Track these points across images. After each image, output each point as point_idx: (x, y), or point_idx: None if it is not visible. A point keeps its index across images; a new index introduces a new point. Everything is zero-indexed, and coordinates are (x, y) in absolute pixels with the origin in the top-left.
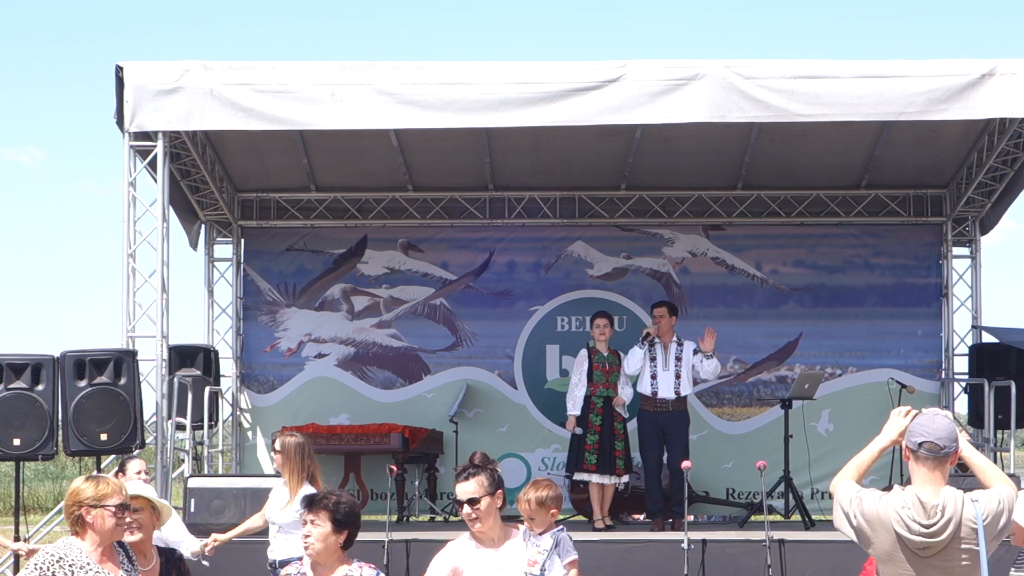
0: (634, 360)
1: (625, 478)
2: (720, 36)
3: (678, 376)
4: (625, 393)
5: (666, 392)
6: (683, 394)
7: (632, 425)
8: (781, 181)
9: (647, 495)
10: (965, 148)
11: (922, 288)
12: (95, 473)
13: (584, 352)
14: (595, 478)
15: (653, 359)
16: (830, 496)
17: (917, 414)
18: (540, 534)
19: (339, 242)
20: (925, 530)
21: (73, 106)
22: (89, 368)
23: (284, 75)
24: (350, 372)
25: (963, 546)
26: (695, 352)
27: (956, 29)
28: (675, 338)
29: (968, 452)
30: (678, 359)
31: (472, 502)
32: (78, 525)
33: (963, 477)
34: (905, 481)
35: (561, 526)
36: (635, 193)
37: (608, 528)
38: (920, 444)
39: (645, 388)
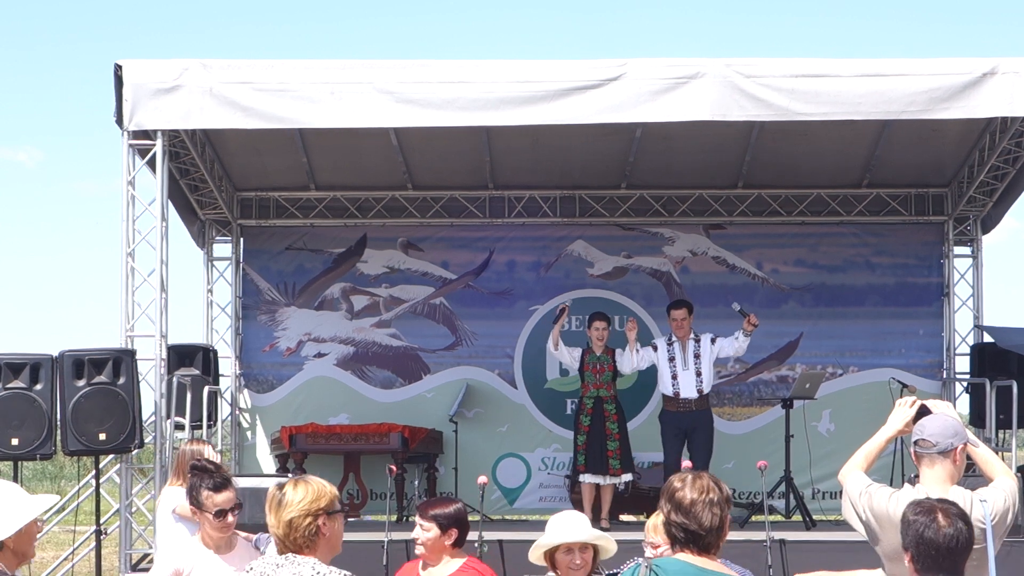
0: (644, 360)
1: (624, 477)
2: (720, 36)
3: (699, 374)
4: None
5: (688, 392)
6: (705, 392)
7: (634, 424)
8: (782, 180)
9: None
10: (966, 147)
11: (923, 287)
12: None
13: (578, 352)
14: (587, 478)
15: (672, 359)
16: (831, 496)
17: (921, 404)
18: None
19: (338, 241)
20: None
21: (72, 106)
22: (88, 367)
23: (283, 74)
24: (350, 372)
25: (972, 546)
26: (737, 335)
27: (956, 29)
28: (692, 335)
29: (972, 441)
30: (697, 356)
31: (234, 509)
32: (313, 538)
33: (965, 477)
34: (907, 483)
35: None
36: (635, 192)
37: (602, 530)
38: (915, 442)
39: (667, 389)
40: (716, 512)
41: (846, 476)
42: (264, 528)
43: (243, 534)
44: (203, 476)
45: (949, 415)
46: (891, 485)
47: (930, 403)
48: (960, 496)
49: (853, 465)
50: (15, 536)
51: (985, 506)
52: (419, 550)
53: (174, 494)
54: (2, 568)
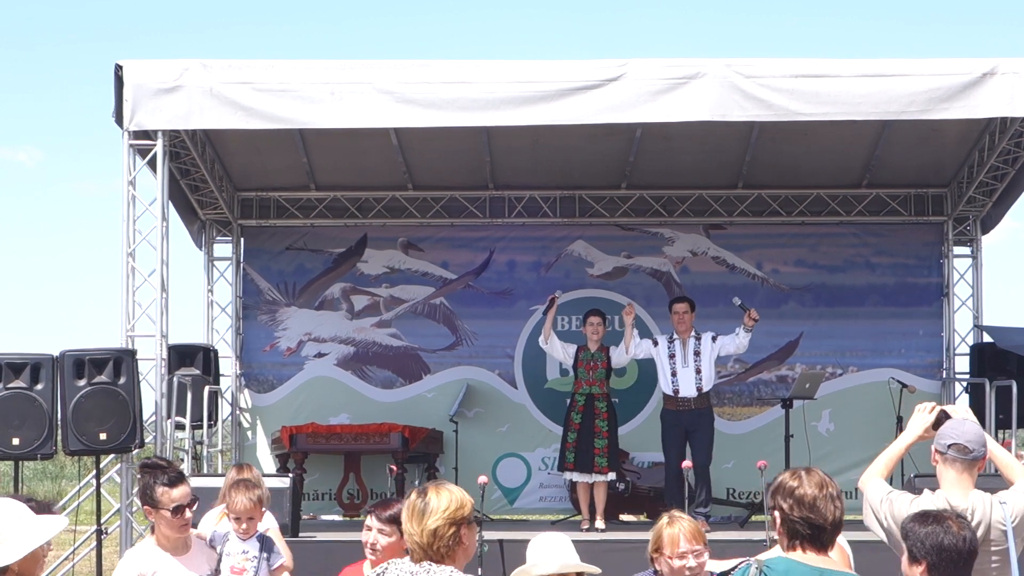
0: (640, 349)
1: (610, 476)
2: (720, 36)
3: (698, 371)
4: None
5: (688, 390)
6: (705, 390)
7: (634, 424)
8: (782, 180)
9: (666, 494)
10: (966, 147)
11: (923, 287)
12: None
13: (573, 348)
14: (575, 476)
15: (672, 356)
16: (847, 494)
17: (941, 410)
18: (246, 539)
19: (339, 241)
20: None
21: (72, 106)
22: (88, 367)
23: (284, 74)
24: (350, 371)
25: (993, 548)
26: (740, 329)
27: (956, 29)
28: (693, 333)
29: (991, 446)
30: (697, 354)
31: (191, 504)
32: (455, 548)
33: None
34: (906, 483)
35: (260, 530)
36: (635, 192)
37: (595, 530)
38: (949, 446)
39: (667, 387)
40: (838, 506)
41: (866, 483)
42: None
43: (196, 533)
44: (156, 472)
45: (973, 420)
46: (890, 486)
47: (949, 408)
48: (980, 499)
49: (873, 472)
50: (21, 559)
51: (1005, 508)
52: (368, 554)
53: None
54: None
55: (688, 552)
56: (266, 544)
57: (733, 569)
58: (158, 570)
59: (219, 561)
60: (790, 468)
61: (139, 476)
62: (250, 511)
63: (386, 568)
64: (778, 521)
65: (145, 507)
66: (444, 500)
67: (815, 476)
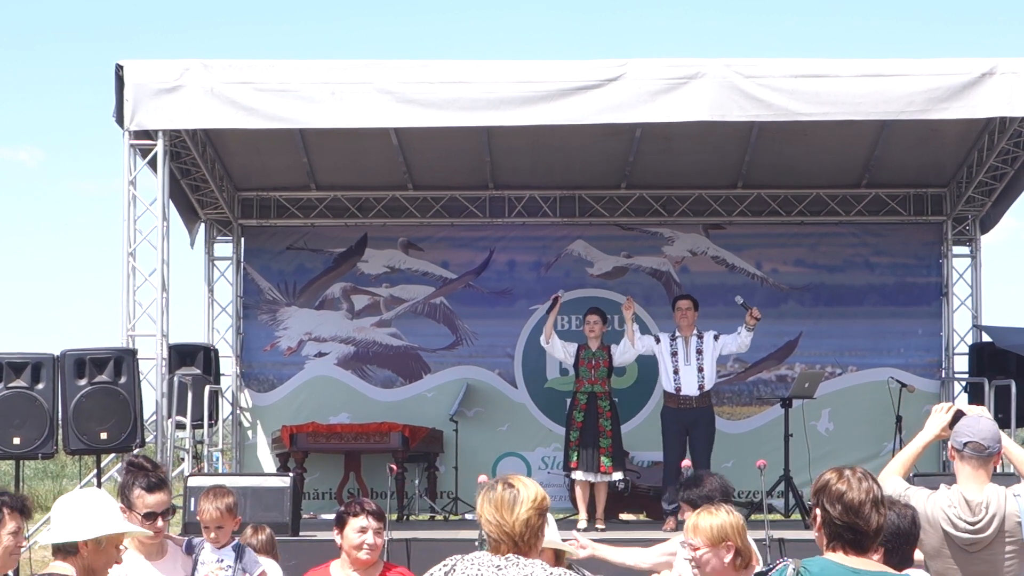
0: (643, 344)
1: (614, 476)
2: (720, 36)
3: (701, 370)
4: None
5: (689, 388)
6: (707, 388)
7: (634, 423)
8: (781, 180)
9: (665, 493)
10: (965, 147)
11: (922, 287)
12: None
13: (573, 347)
14: (579, 476)
15: (674, 354)
16: None
17: (958, 410)
18: (221, 547)
19: (339, 241)
20: (971, 527)
21: (73, 106)
22: (89, 367)
23: (284, 74)
24: (350, 371)
25: (1007, 539)
26: (743, 327)
27: (956, 29)
28: (695, 331)
29: (1005, 443)
30: (699, 352)
31: (166, 513)
32: (538, 537)
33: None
34: (913, 477)
35: (236, 539)
36: (635, 192)
37: (595, 530)
38: (965, 444)
39: (668, 385)
40: (882, 511)
41: (884, 481)
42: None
43: (174, 538)
44: (137, 474)
45: (988, 417)
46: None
47: (965, 407)
48: (995, 492)
49: (890, 471)
50: (92, 547)
51: (1020, 500)
52: (366, 555)
53: None
54: (66, 572)
55: (685, 542)
56: (241, 553)
57: (772, 569)
58: (131, 574)
59: (194, 569)
60: (835, 468)
61: (122, 472)
62: (218, 520)
63: (453, 566)
64: (819, 521)
65: (120, 506)
66: (532, 490)
67: (864, 482)
